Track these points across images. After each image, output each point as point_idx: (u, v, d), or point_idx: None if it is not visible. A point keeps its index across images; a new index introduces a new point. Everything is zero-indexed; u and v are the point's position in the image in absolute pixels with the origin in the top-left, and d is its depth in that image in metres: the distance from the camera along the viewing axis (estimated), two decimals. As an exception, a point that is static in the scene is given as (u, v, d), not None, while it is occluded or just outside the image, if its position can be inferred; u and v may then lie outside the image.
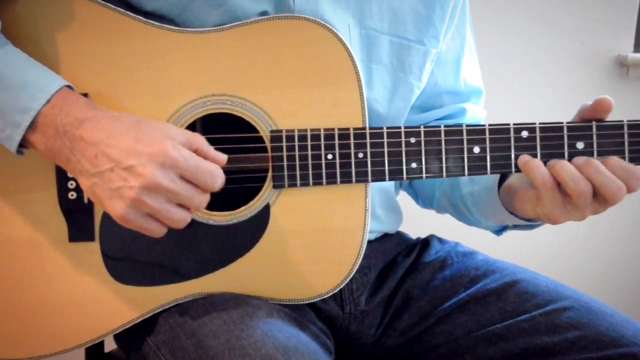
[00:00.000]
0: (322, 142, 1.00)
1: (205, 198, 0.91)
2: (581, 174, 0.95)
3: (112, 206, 0.89)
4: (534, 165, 0.97)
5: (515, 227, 1.15)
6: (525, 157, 0.98)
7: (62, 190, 1.00)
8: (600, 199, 0.96)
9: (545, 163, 0.98)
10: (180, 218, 0.91)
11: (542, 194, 0.97)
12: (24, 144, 0.94)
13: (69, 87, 0.94)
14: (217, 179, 0.91)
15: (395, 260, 1.20)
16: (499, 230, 1.18)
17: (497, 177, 1.09)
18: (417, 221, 1.26)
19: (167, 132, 0.90)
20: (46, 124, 0.91)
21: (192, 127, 1.02)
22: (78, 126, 0.90)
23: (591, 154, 0.99)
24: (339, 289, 1.03)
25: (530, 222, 1.09)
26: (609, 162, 0.96)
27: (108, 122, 0.90)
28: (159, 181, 0.87)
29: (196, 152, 0.92)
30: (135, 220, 0.90)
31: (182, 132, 0.92)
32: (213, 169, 0.91)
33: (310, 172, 1.00)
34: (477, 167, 1.00)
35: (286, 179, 1.00)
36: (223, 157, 0.93)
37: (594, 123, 0.99)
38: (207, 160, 0.91)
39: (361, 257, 1.02)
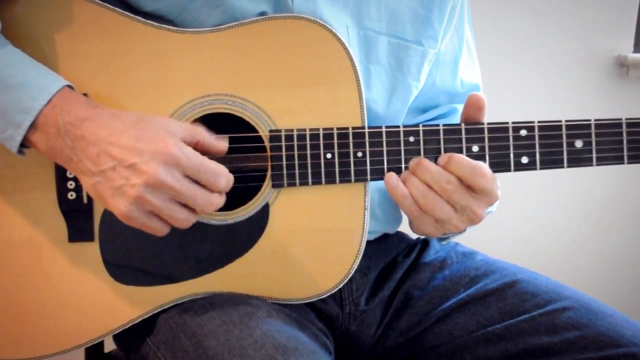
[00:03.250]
0: (321, 141, 1.00)
1: (210, 200, 0.91)
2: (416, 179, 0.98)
3: (115, 204, 0.90)
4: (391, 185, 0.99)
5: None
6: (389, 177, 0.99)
7: (62, 190, 1.00)
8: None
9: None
10: (184, 217, 0.91)
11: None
12: (25, 144, 0.94)
13: (69, 86, 0.95)
14: (220, 178, 0.91)
15: (395, 260, 1.20)
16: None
17: None
18: (417, 221, 1.26)
19: (168, 128, 0.91)
20: (47, 124, 0.91)
21: (191, 127, 1.02)
22: (79, 125, 0.90)
23: (590, 152, 0.99)
24: (338, 288, 1.03)
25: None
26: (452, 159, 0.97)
27: (109, 121, 0.91)
28: (162, 178, 0.87)
29: (198, 144, 0.93)
30: (138, 218, 0.90)
31: (182, 126, 0.92)
32: (216, 168, 0.91)
33: (309, 171, 1.00)
34: (475, 165, 1.00)
35: (285, 179, 1.00)
36: (224, 144, 0.94)
37: (592, 121, 0.99)
38: (210, 160, 0.91)
39: (360, 256, 1.02)
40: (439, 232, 1.01)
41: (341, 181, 1.01)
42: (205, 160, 0.90)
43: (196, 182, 0.91)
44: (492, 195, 0.99)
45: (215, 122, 1.01)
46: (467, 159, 0.98)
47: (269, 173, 1.01)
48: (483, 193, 0.98)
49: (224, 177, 0.92)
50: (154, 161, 0.88)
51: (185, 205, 0.91)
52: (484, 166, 0.97)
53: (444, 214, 0.97)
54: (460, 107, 1.21)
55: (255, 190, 1.01)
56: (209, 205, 0.91)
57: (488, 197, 0.99)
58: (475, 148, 1.00)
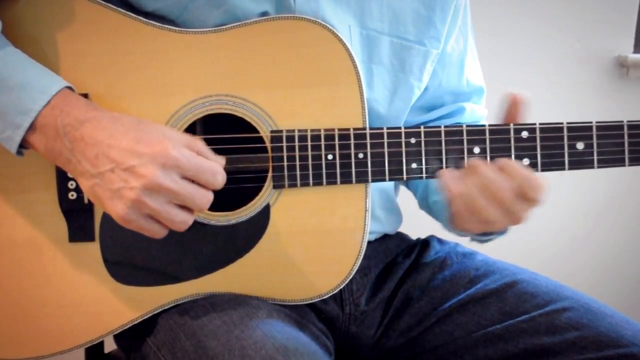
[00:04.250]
0: (323, 142, 1.00)
1: (207, 198, 0.91)
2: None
3: (113, 207, 0.89)
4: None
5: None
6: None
7: (62, 190, 1.00)
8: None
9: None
10: (182, 220, 0.91)
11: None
12: (24, 145, 0.94)
13: (69, 88, 0.94)
14: (219, 177, 0.91)
15: (395, 260, 1.20)
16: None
17: None
18: (417, 222, 1.26)
19: (167, 134, 0.90)
20: (46, 125, 0.91)
21: (192, 127, 1.02)
22: (78, 127, 0.90)
23: (591, 155, 0.99)
24: (338, 289, 1.03)
25: (481, 237, 1.12)
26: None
27: (108, 123, 0.90)
28: (161, 181, 0.87)
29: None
30: (136, 221, 0.90)
31: (181, 136, 0.92)
32: (215, 167, 0.91)
33: (311, 172, 1.00)
34: (477, 167, 1.00)
35: (286, 179, 1.00)
36: (222, 160, 0.93)
37: (594, 123, 0.99)
38: (207, 160, 0.91)
39: (361, 257, 1.03)
40: (481, 230, 1.01)
41: (342, 182, 1.01)
42: (203, 160, 0.90)
43: (191, 182, 0.91)
44: (540, 203, 0.99)
45: (216, 122, 1.01)
46: (524, 168, 0.98)
47: (270, 174, 1.01)
48: (534, 202, 0.98)
49: (221, 175, 0.92)
50: (153, 164, 0.87)
51: (182, 206, 0.91)
52: (540, 179, 0.97)
53: (492, 216, 0.97)
54: (466, 105, 1.22)
55: (256, 191, 1.01)
56: (207, 203, 0.91)
57: (536, 204, 0.99)
58: (476, 149, 1.00)
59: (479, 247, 1.21)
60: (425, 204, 1.21)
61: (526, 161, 1.00)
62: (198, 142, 0.92)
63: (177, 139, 0.90)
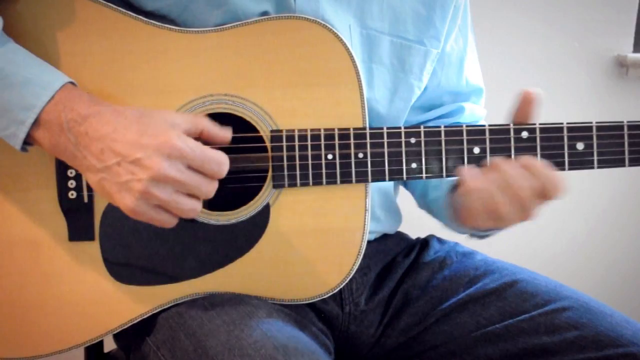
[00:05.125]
0: (322, 142, 1.00)
1: (213, 187, 0.92)
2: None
3: (122, 200, 0.90)
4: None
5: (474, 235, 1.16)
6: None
7: (62, 189, 1.00)
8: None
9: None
10: (190, 208, 0.91)
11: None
12: (28, 141, 0.94)
13: (72, 83, 0.95)
14: (224, 166, 0.92)
15: (395, 260, 1.20)
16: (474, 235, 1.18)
17: (451, 184, 1.09)
18: (417, 221, 1.26)
19: (171, 121, 0.91)
20: (50, 121, 0.91)
21: (192, 126, 1.02)
22: (82, 122, 0.91)
23: (591, 155, 0.99)
24: (338, 289, 1.03)
25: (482, 232, 1.12)
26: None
27: (112, 117, 0.91)
28: (167, 172, 0.88)
29: (202, 133, 0.93)
30: (145, 213, 0.90)
31: (185, 117, 0.93)
32: (219, 157, 0.91)
33: (310, 172, 1.00)
34: (477, 167, 1.00)
35: (286, 179, 1.00)
36: (228, 133, 0.95)
37: (594, 124, 0.99)
38: (212, 149, 0.91)
39: (361, 257, 1.03)
40: (491, 226, 1.01)
41: (342, 182, 1.01)
42: (208, 150, 0.91)
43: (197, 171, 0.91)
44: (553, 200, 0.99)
45: (216, 122, 1.01)
46: (546, 167, 0.97)
47: (269, 173, 1.01)
48: (550, 200, 0.98)
49: (226, 165, 0.92)
50: (158, 155, 0.88)
51: (189, 195, 0.91)
52: (561, 178, 0.97)
53: (508, 213, 0.98)
54: (465, 105, 1.22)
55: (256, 190, 1.01)
56: (212, 190, 0.92)
57: (549, 202, 0.99)
58: (476, 149, 1.00)
59: (479, 247, 1.21)
60: (424, 202, 1.21)
61: (526, 161, 1.00)
62: (202, 120, 0.93)
63: (182, 123, 0.91)
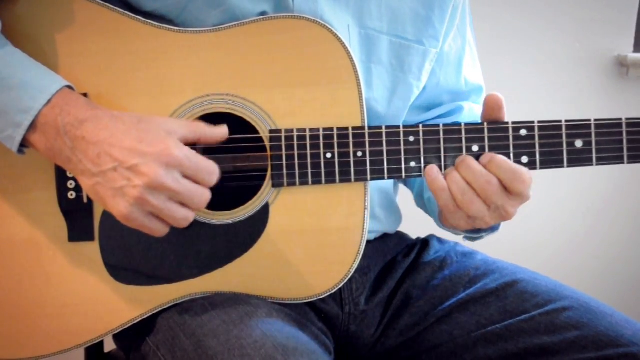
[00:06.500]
0: (321, 141, 1.00)
1: (206, 197, 0.92)
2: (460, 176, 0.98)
3: (116, 205, 0.90)
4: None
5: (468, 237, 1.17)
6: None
7: (62, 190, 1.00)
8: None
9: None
10: (183, 217, 0.92)
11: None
12: (24, 144, 0.94)
13: (69, 87, 0.95)
14: (214, 176, 0.92)
15: (395, 260, 1.20)
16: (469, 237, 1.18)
17: None
18: (417, 221, 1.26)
19: (169, 129, 0.91)
20: (47, 124, 0.91)
21: (191, 126, 1.02)
22: (79, 126, 0.91)
23: (590, 152, 0.99)
24: (338, 288, 1.03)
25: (469, 234, 1.12)
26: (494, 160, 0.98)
27: (109, 122, 0.91)
28: (163, 180, 0.88)
29: (200, 140, 0.94)
30: (138, 220, 0.90)
31: (183, 124, 0.93)
32: (211, 167, 0.92)
33: (310, 171, 1.00)
34: (475, 165, 1.00)
35: (285, 178, 1.00)
36: (224, 130, 0.95)
37: (592, 121, 0.99)
38: (205, 158, 0.92)
39: (360, 256, 1.02)
40: (469, 226, 1.01)
41: (341, 181, 1.01)
42: (202, 160, 0.91)
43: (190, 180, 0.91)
44: (526, 198, 0.99)
45: (215, 121, 1.01)
46: (509, 162, 0.98)
47: (269, 173, 1.01)
48: (519, 196, 0.98)
49: (216, 174, 0.93)
50: (156, 163, 0.88)
51: (182, 204, 0.91)
52: (525, 172, 0.98)
53: (478, 211, 0.98)
54: (464, 105, 1.22)
55: (255, 190, 1.01)
56: (205, 202, 0.93)
57: (522, 199, 0.99)
58: (475, 148, 1.00)
59: (479, 246, 1.21)
60: (421, 201, 1.21)
61: (525, 159, 1.00)
62: (200, 126, 0.94)
63: (179, 130, 0.92)
